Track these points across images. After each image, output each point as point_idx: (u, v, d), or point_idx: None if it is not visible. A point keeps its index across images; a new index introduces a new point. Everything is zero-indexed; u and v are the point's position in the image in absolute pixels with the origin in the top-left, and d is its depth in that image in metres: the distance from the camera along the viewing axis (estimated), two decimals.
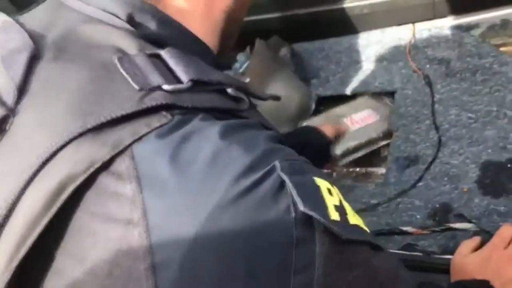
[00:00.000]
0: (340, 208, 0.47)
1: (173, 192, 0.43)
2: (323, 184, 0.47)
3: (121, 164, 0.44)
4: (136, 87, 0.47)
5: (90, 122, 0.45)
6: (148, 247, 0.42)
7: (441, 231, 0.98)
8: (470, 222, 0.97)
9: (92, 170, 0.43)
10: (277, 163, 0.45)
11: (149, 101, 0.46)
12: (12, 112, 0.47)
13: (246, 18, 0.66)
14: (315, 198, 0.45)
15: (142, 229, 0.43)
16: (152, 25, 0.54)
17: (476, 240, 0.87)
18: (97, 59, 0.50)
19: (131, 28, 0.53)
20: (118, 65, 0.48)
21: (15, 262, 0.44)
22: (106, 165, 0.44)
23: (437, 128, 1.16)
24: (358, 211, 1.09)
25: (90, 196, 0.44)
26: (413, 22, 1.39)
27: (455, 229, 0.97)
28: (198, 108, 0.49)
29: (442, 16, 1.35)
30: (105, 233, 0.44)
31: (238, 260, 0.43)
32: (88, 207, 0.44)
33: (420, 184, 1.09)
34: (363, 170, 1.23)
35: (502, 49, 1.23)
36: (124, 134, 0.45)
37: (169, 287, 0.42)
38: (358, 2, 1.42)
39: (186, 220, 0.43)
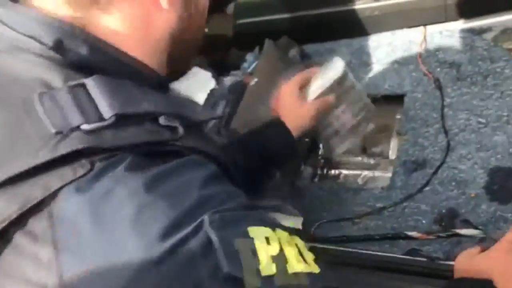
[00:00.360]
0: (278, 258, 0.45)
1: (93, 255, 0.41)
2: (258, 234, 0.45)
3: (37, 224, 0.42)
4: (53, 130, 0.44)
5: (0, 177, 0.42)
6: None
7: (447, 236, 0.96)
8: (476, 228, 0.95)
9: (1, 226, 0.42)
10: (205, 218, 0.43)
11: (64, 147, 0.43)
12: None
13: (256, 19, 0.65)
14: (244, 256, 0.43)
15: (57, 271, 0.40)
16: (83, 50, 0.51)
17: (481, 247, 0.85)
18: (16, 97, 0.47)
19: (58, 56, 0.50)
20: (36, 105, 0.45)
21: None
22: (19, 223, 0.42)
23: (446, 132, 1.15)
24: (364, 215, 1.09)
25: (7, 255, 0.43)
26: (425, 25, 1.37)
27: (461, 235, 0.95)
28: (122, 146, 0.46)
29: (454, 19, 1.33)
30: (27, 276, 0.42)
31: None
32: (4, 266, 0.43)
33: (427, 188, 1.08)
34: (370, 173, 1.22)
35: None
36: (35, 189, 0.42)
37: None
38: (369, 4, 1.41)
39: (107, 286, 0.41)
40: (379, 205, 1.10)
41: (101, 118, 0.46)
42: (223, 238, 0.42)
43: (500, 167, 1.03)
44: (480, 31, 1.29)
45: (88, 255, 0.41)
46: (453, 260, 0.89)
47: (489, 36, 1.26)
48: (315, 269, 0.48)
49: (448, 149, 1.12)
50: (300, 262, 0.47)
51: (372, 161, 1.25)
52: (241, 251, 0.43)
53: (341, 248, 0.98)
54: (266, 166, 0.98)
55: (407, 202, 1.07)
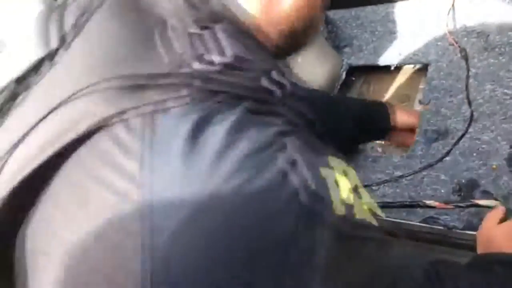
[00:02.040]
0: (355, 192, 0.47)
1: (182, 161, 0.42)
2: (337, 164, 0.46)
3: (137, 123, 0.44)
4: (167, 59, 0.47)
5: (114, 81, 0.45)
6: (148, 207, 0.41)
7: (465, 206, 0.95)
8: (496, 199, 0.94)
9: (109, 118, 0.44)
10: (287, 140, 0.45)
11: (176, 77, 0.46)
12: (63, 45, 0.49)
13: None
14: (323, 185, 0.44)
15: (147, 188, 0.42)
16: (217, 6, 0.53)
17: (501, 211, 0.85)
18: (145, 22, 0.50)
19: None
20: (157, 36, 0.48)
21: (16, 180, 0.44)
22: (122, 119, 0.44)
23: (470, 103, 1.13)
24: (382, 182, 1.08)
25: (91, 156, 0.44)
26: None
27: (480, 206, 0.94)
28: (225, 92, 0.48)
29: None
30: (110, 182, 0.43)
31: (234, 241, 0.41)
32: (86, 167, 0.44)
33: (447, 158, 1.07)
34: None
35: None
36: (147, 99, 0.45)
37: (161, 253, 0.41)
38: None
39: (189, 188, 0.42)
40: (397, 173, 1.09)
41: (222, 56, 0.48)
42: (307, 160, 0.44)
43: None
44: (511, 0, 1.25)
45: (177, 161, 0.43)
46: (471, 230, 0.89)
47: None
48: (374, 221, 0.50)
49: (471, 119, 1.10)
50: (364, 209, 0.48)
51: None
52: (327, 177, 0.45)
53: None
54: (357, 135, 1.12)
55: (426, 171, 1.06)
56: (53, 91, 0.47)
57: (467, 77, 1.18)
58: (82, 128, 0.44)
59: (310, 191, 0.43)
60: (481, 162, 1.03)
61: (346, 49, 1.44)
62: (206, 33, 0.49)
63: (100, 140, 0.44)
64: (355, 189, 0.48)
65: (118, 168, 0.43)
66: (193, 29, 0.49)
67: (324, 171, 0.45)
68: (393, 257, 0.52)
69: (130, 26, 0.50)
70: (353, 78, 1.44)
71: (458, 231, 0.91)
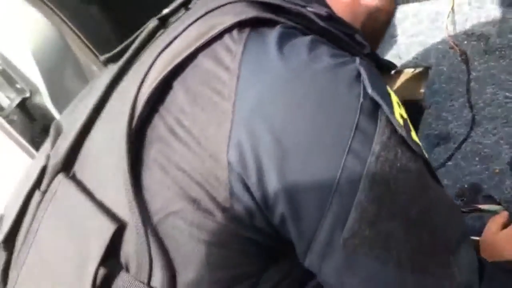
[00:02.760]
0: (405, 121, 0.50)
1: (267, 58, 0.51)
2: (394, 96, 0.51)
3: (225, 54, 0.53)
4: None
5: None
6: (235, 87, 0.51)
7: (468, 211, 0.95)
8: (499, 204, 0.93)
9: (236, 20, 0.53)
10: (357, 58, 0.51)
11: (299, 7, 0.56)
12: None
13: None
14: (384, 92, 0.49)
15: (235, 75, 0.51)
16: None
17: (505, 215, 0.85)
18: None
19: None
20: None
21: (160, 77, 0.54)
22: (208, 49, 0.54)
23: (471, 107, 1.12)
24: None
25: (195, 77, 0.53)
26: None
27: (483, 211, 0.94)
28: (328, 31, 0.57)
29: None
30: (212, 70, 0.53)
31: (303, 117, 0.48)
32: (193, 90, 0.53)
33: (449, 163, 1.06)
34: None
35: None
36: (269, 14, 0.55)
37: (243, 119, 0.50)
38: None
39: (268, 76, 0.50)
40: None
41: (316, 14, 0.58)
42: (370, 75, 0.49)
43: None
44: (510, 3, 1.24)
45: (265, 53, 0.52)
46: (474, 235, 0.89)
47: None
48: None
49: (472, 123, 1.09)
50: (418, 140, 0.51)
51: None
52: (383, 89, 0.50)
53: None
54: None
55: None
56: (189, 20, 0.58)
57: (468, 80, 1.17)
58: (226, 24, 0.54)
59: (370, 89, 0.48)
60: (483, 166, 1.02)
61: None
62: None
63: (203, 60, 0.54)
64: (406, 121, 0.52)
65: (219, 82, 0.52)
66: None
67: (389, 90, 0.51)
68: (439, 191, 0.53)
69: None
70: None
71: None
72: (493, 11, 1.24)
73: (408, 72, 1.35)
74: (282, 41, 0.52)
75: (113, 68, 0.63)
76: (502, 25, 1.21)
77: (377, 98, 0.48)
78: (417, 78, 1.33)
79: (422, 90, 1.29)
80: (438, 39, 1.30)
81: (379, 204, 0.47)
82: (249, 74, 0.51)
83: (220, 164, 0.49)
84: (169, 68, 0.54)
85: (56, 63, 1.06)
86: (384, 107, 0.48)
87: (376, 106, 0.48)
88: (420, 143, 0.51)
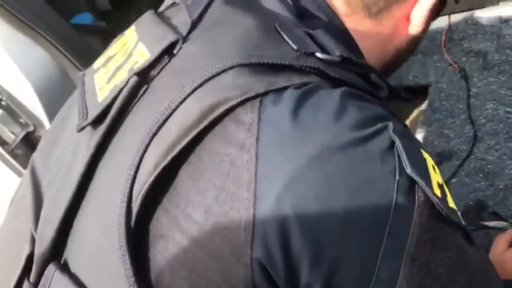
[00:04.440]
0: (441, 187, 0.47)
1: (287, 128, 0.45)
2: (429, 159, 0.47)
3: (267, 102, 0.47)
4: (295, 47, 0.50)
5: (254, 59, 0.48)
6: (254, 170, 0.44)
7: (474, 229, 0.94)
8: (506, 220, 0.93)
9: (245, 97, 0.46)
10: (390, 124, 0.46)
11: (304, 61, 0.49)
12: (182, 39, 0.53)
13: None
14: (422, 167, 0.45)
15: (253, 153, 0.45)
16: (321, 20, 0.57)
17: (511, 233, 0.84)
18: (261, 15, 0.54)
19: (291, 4, 0.56)
20: (279, 28, 0.51)
21: (161, 166, 0.46)
22: (232, 112, 0.47)
23: (472, 123, 1.12)
24: None
25: (216, 141, 0.47)
26: (449, 14, 1.34)
27: (490, 228, 0.93)
28: (344, 82, 0.51)
29: (480, 6, 1.30)
30: (224, 154, 0.46)
31: (336, 205, 0.43)
32: (211, 151, 0.47)
33: (453, 180, 1.06)
34: None
35: None
36: (280, 78, 0.48)
37: (267, 210, 0.44)
38: None
39: (293, 153, 0.44)
40: None
41: (339, 50, 0.52)
42: (405, 145, 0.44)
43: None
44: (507, 19, 1.25)
45: (282, 128, 0.46)
46: None
47: None
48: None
49: (475, 140, 1.09)
50: (454, 204, 0.48)
51: None
52: (420, 162, 0.45)
53: None
54: None
55: None
56: (180, 79, 0.50)
57: (468, 97, 1.18)
58: (235, 100, 0.47)
59: (409, 169, 0.44)
60: (487, 182, 1.02)
61: None
62: (318, 32, 0.53)
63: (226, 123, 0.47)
64: (442, 186, 0.48)
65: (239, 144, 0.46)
66: (299, 29, 0.53)
67: (424, 153, 0.47)
68: (476, 256, 0.50)
69: (253, 16, 0.53)
70: None
71: None
72: (490, 28, 1.25)
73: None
74: (299, 109, 0.46)
75: (96, 133, 0.54)
76: (499, 41, 1.22)
77: (416, 178, 0.43)
78: (417, 97, 1.34)
79: (422, 108, 1.29)
80: (436, 57, 1.30)
81: None
82: (270, 153, 0.45)
83: (242, 262, 0.44)
84: (171, 155, 0.47)
85: (58, 96, 1.07)
86: (423, 185, 0.43)
87: (413, 182, 0.44)
88: (456, 208, 0.48)
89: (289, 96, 0.47)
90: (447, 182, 1.05)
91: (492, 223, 0.93)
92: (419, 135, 1.21)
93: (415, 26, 0.60)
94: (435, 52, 1.31)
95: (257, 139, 0.45)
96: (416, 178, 0.43)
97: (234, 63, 0.48)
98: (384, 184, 0.44)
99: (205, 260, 0.45)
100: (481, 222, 0.94)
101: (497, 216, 0.95)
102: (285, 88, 0.48)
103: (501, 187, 1.00)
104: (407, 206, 0.44)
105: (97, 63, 0.63)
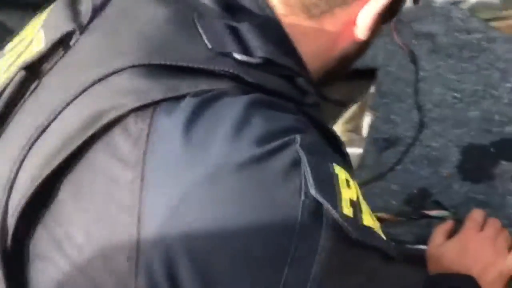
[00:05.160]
0: (355, 204, 0.43)
1: (178, 144, 0.40)
2: (342, 173, 0.43)
3: (161, 112, 0.41)
4: (209, 45, 0.45)
5: (155, 59, 0.43)
6: (139, 191, 0.39)
7: (416, 218, 0.92)
8: (447, 210, 0.91)
9: (138, 104, 0.41)
10: (297, 137, 0.41)
11: (217, 64, 0.44)
12: (80, 29, 0.47)
13: None
14: (329, 186, 0.41)
15: (138, 171, 0.40)
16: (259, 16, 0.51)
17: (450, 224, 0.83)
18: (180, 4, 0.48)
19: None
20: (196, 20, 0.46)
21: (37, 182, 0.41)
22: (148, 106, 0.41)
23: (419, 108, 1.10)
24: None
25: (99, 151, 0.42)
26: None
27: (431, 217, 0.91)
28: (261, 87, 0.45)
29: None
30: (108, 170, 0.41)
31: (228, 232, 0.39)
32: (95, 161, 0.42)
33: (398, 167, 1.03)
34: None
35: (491, 24, 1.17)
36: (182, 83, 0.42)
37: (151, 236, 0.39)
38: None
39: (181, 174, 0.39)
40: None
41: (251, 55, 0.46)
42: (311, 162, 0.41)
43: (474, 145, 1.00)
44: (456, 1, 1.23)
45: (172, 144, 0.40)
46: (423, 243, 0.86)
47: (465, 5, 1.22)
48: (383, 235, 0.46)
49: (421, 126, 1.07)
50: (372, 219, 0.45)
51: (344, 138, 1.20)
52: (328, 179, 0.42)
53: None
54: None
55: (377, 182, 1.03)
56: (70, 77, 0.45)
57: (416, 81, 1.15)
58: (127, 107, 0.41)
59: (313, 190, 0.40)
60: (432, 170, 1.00)
61: None
62: (233, 29, 0.47)
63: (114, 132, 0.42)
64: (356, 203, 0.44)
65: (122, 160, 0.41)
66: (221, 24, 0.48)
67: (336, 168, 0.43)
68: (393, 275, 0.48)
69: (168, 5, 0.48)
70: None
71: (409, 246, 0.88)
72: (440, 10, 1.22)
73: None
74: (194, 121, 0.41)
75: None
76: (448, 24, 1.20)
77: (321, 200, 0.39)
78: (366, 79, 1.31)
79: (372, 91, 1.26)
80: (386, 39, 1.27)
81: None
82: (157, 172, 0.40)
83: None
84: (49, 169, 0.41)
85: None
86: (330, 208, 0.40)
87: (320, 203, 0.40)
88: (372, 225, 0.44)
89: (185, 106, 0.41)
90: (392, 168, 1.03)
91: (433, 213, 0.91)
92: (366, 120, 1.18)
93: (362, 30, 0.55)
94: (385, 34, 1.27)
95: (145, 154, 0.40)
96: (321, 199, 0.39)
97: (130, 63, 0.42)
98: (286, 206, 0.39)
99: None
100: (422, 211, 0.92)
101: (439, 205, 0.93)
102: (185, 96, 0.42)
103: (445, 175, 0.98)
104: (312, 230, 0.40)
105: (9, 46, 0.56)
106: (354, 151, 1.14)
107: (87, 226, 0.41)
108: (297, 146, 0.41)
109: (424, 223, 0.92)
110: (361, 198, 0.45)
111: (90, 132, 0.41)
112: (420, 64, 1.17)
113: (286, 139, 0.41)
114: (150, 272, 0.39)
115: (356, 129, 1.19)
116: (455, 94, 1.09)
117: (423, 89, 1.13)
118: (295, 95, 0.50)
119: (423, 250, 0.83)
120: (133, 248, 0.39)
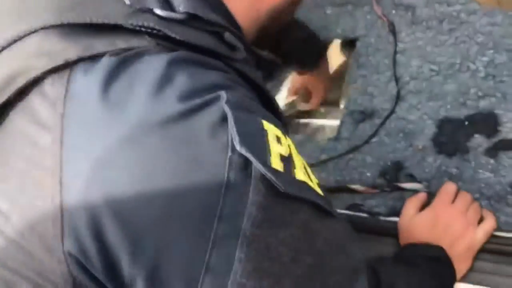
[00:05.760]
0: (286, 159, 0.42)
1: (96, 105, 0.39)
2: (271, 129, 0.42)
3: (78, 72, 0.40)
4: (128, 1, 0.43)
5: (67, 18, 0.41)
6: (59, 154, 0.39)
7: (390, 191, 0.93)
8: (420, 183, 0.92)
9: (52, 66, 0.40)
10: (223, 94, 0.41)
11: (136, 20, 0.42)
12: None
13: None
14: (257, 141, 0.41)
15: (57, 134, 0.39)
16: None
17: (421, 196, 0.83)
18: None
19: None
20: None
21: None
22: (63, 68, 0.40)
23: (396, 80, 1.09)
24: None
25: (17, 113, 0.41)
26: None
27: (405, 189, 0.92)
28: (187, 43, 0.44)
29: None
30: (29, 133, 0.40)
31: (154, 189, 0.38)
32: (12, 126, 0.41)
33: (374, 140, 1.03)
34: (318, 122, 1.16)
35: None
36: (98, 42, 0.41)
37: (74, 199, 0.38)
38: None
39: (100, 134, 0.39)
40: (324, 156, 1.05)
41: (173, 11, 0.45)
42: (238, 118, 0.40)
43: (449, 118, 0.99)
44: None
45: (90, 105, 0.40)
46: (395, 215, 0.87)
47: None
48: (319, 190, 0.46)
49: (397, 98, 1.06)
50: (306, 176, 0.44)
51: (322, 110, 1.20)
52: (256, 134, 0.41)
53: None
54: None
55: (352, 154, 1.03)
56: None
57: (395, 52, 1.14)
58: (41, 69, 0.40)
59: (238, 145, 0.39)
60: (407, 143, 1.00)
61: None
62: None
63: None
64: (288, 158, 0.44)
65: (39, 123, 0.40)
66: None
67: (265, 124, 0.42)
68: (328, 229, 0.47)
69: None
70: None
71: (382, 218, 0.88)
72: None
73: (337, 44, 1.31)
74: (112, 81, 0.40)
75: None
76: None
77: (248, 154, 0.39)
78: (346, 50, 1.30)
79: (351, 63, 1.25)
80: (366, 9, 1.25)
81: (260, 275, 0.40)
82: (76, 133, 0.39)
83: (55, 257, 0.40)
84: None
85: None
86: (256, 163, 0.39)
87: (248, 159, 0.40)
88: (306, 179, 0.44)
89: (103, 65, 0.40)
90: (367, 141, 1.03)
91: (407, 185, 0.92)
92: (346, 91, 1.17)
93: None
94: (366, 3, 1.26)
95: (62, 116, 0.39)
96: (247, 154, 0.39)
97: (42, 24, 0.41)
98: (212, 163, 0.39)
99: (17, 256, 0.40)
100: (396, 184, 0.92)
101: (412, 178, 0.93)
102: (103, 55, 0.41)
103: (419, 147, 0.98)
104: (241, 185, 0.39)
105: None
106: (332, 123, 1.14)
107: (10, 194, 0.40)
108: (223, 102, 0.40)
109: (398, 196, 0.92)
110: (295, 154, 0.45)
111: (5, 97, 0.40)
112: (400, 36, 1.16)
113: (211, 95, 0.41)
114: (77, 235, 0.39)
115: (334, 101, 1.19)
116: (433, 67, 1.08)
117: (401, 61, 1.12)
118: (223, 50, 0.49)
119: (395, 222, 0.84)
120: (57, 212, 0.39)
